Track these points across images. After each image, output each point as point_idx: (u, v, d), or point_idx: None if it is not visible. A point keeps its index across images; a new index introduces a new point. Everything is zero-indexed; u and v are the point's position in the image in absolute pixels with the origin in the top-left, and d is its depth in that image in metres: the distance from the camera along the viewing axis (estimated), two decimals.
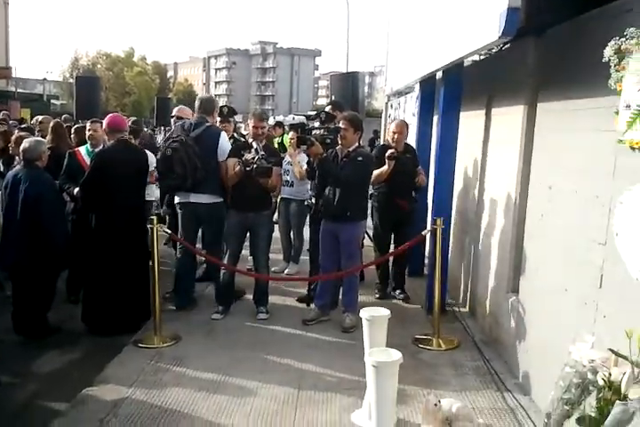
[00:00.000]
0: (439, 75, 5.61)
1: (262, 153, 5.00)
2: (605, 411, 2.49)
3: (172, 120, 6.26)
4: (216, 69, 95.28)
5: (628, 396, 2.41)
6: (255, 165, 4.90)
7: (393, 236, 5.93)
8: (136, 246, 4.87)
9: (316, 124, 5.24)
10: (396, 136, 5.66)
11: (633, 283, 2.57)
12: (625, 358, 2.51)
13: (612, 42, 2.25)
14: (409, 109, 11.23)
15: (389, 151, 5.42)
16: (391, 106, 14.52)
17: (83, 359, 4.43)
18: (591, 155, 3.10)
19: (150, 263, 4.65)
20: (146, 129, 12.10)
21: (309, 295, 5.47)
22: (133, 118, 7.96)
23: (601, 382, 2.56)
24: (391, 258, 5.81)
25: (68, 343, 4.65)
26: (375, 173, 5.36)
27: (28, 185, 4.62)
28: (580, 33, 3.34)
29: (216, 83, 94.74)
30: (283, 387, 3.82)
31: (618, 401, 2.43)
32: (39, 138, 5.12)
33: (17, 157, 5.47)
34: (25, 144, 4.73)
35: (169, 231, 4.81)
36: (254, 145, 5.06)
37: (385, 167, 5.46)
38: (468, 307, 5.40)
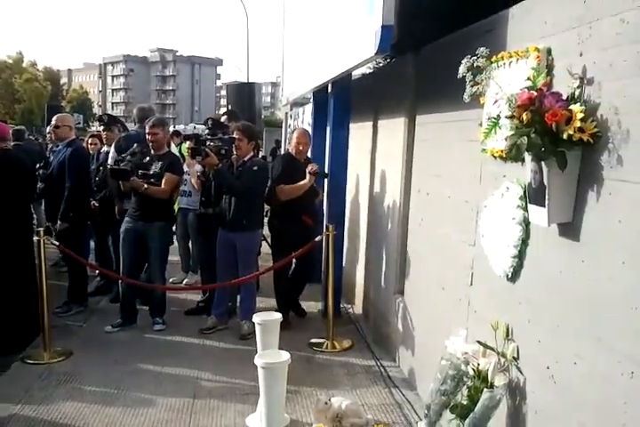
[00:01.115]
0: (330, 87, 5.83)
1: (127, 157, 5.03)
2: (475, 398, 2.72)
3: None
4: (113, 76, 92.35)
5: (495, 384, 2.66)
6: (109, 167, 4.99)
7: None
8: (22, 261, 4.69)
9: (205, 131, 5.27)
10: (301, 147, 5.36)
11: (497, 280, 2.83)
12: (491, 348, 2.76)
13: (465, 60, 2.49)
14: (307, 120, 11.49)
15: (314, 166, 5.13)
16: (291, 116, 14.75)
17: None
18: (461, 163, 3.38)
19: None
20: (32, 137, 11.59)
21: (198, 306, 5.55)
22: (17, 127, 7.67)
23: (471, 373, 2.80)
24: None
25: None
26: (289, 187, 5.14)
27: None
28: (449, 50, 3.62)
29: (113, 90, 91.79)
30: (178, 396, 3.83)
31: (485, 389, 2.67)
32: None
33: None
34: None
35: (56, 243, 4.68)
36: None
37: (305, 181, 5.09)
38: (361, 309, 5.62)
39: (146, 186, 4.97)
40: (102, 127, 5.92)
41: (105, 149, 5.96)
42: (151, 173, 5.00)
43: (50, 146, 8.17)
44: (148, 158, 5.08)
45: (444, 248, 3.59)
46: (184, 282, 6.51)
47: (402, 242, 4.46)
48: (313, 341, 4.83)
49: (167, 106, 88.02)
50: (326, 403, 3.41)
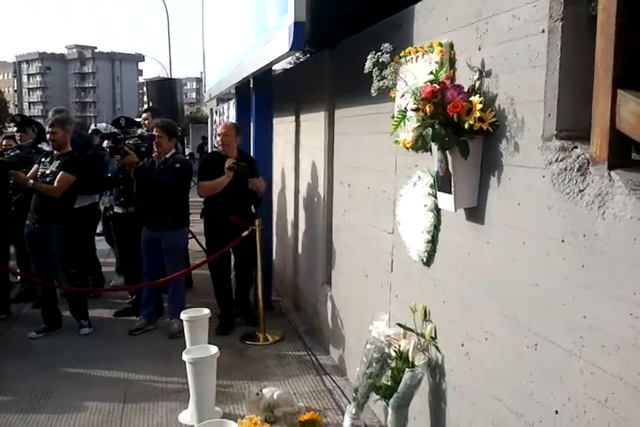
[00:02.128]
0: (252, 82, 5.85)
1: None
2: (398, 379, 2.85)
3: None
4: (28, 75, 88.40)
5: (415, 363, 2.78)
6: None
7: (233, 259, 5.23)
8: None
9: (116, 130, 5.16)
10: (220, 139, 5.07)
11: (414, 264, 2.95)
12: (411, 330, 2.88)
13: (371, 55, 2.58)
14: (232, 115, 11.44)
15: (230, 161, 4.92)
16: (216, 112, 14.62)
17: None
18: (378, 155, 3.49)
19: None
20: None
21: (127, 308, 5.48)
22: None
23: (393, 354, 2.92)
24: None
25: None
26: (207, 184, 4.95)
27: None
28: (362, 46, 3.71)
29: (29, 89, 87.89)
30: (108, 399, 3.78)
31: (407, 369, 2.80)
32: None
33: None
34: None
35: None
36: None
37: (223, 177, 4.89)
38: (292, 302, 5.70)
39: (32, 181, 4.81)
40: (16, 129, 5.71)
41: None
42: (47, 172, 4.88)
43: None
44: (49, 158, 4.95)
45: (366, 237, 3.70)
46: (111, 284, 6.38)
47: (328, 233, 4.55)
48: (245, 334, 4.86)
49: (87, 104, 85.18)
50: (257, 394, 3.46)
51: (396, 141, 3.03)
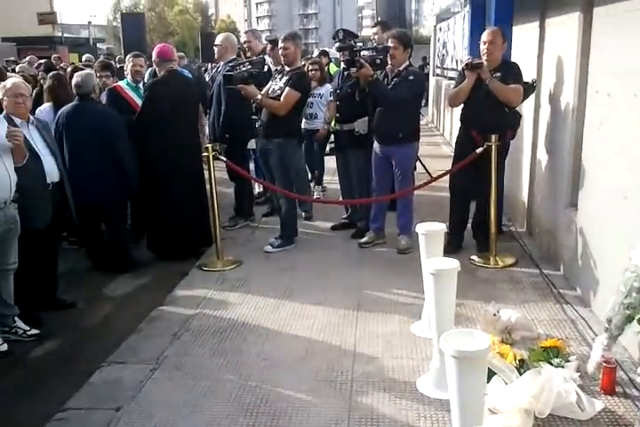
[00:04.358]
0: None
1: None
2: None
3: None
4: (257, 4, 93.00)
5: None
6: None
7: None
8: (194, 176, 4.98)
9: (336, 44, 5.01)
10: (486, 47, 4.50)
11: None
12: None
13: None
14: (458, 31, 10.81)
15: (468, 58, 4.57)
16: (440, 29, 13.99)
17: (152, 283, 4.67)
18: None
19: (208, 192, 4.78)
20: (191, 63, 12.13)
21: (346, 222, 5.56)
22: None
23: None
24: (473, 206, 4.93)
25: (136, 269, 4.88)
26: (452, 90, 4.80)
27: (96, 121, 4.60)
28: None
29: (258, 18, 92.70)
30: (342, 303, 3.95)
31: None
32: (88, 71, 5.14)
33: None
34: (77, 78, 4.72)
35: (224, 159, 4.89)
36: None
37: (465, 82, 4.56)
38: (525, 226, 5.35)
39: (259, 96, 4.89)
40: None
41: None
42: (276, 87, 4.94)
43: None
44: (280, 74, 5.02)
45: (628, 152, 3.22)
46: (315, 196, 6.57)
47: (575, 150, 4.09)
48: (473, 257, 4.69)
49: (310, 31, 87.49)
50: (495, 315, 3.34)
51: None
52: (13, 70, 6.90)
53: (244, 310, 3.90)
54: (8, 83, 3.86)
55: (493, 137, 4.48)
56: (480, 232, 4.82)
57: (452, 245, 4.72)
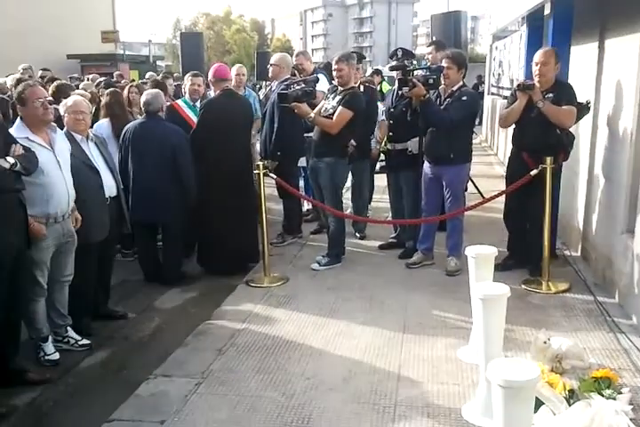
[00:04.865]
0: (547, 8, 5.28)
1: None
2: None
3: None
4: (312, 23, 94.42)
5: None
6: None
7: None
8: (244, 192, 5.05)
9: (393, 62, 5.02)
10: (538, 68, 4.45)
11: None
12: None
13: None
14: (514, 50, 10.70)
15: (522, 80, 4.53)
16: (496, 48, 13.87)
17: (200, 297, 4.76)
18: None
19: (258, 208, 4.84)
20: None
21: (394, 242, 5.52)
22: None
23: None
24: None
25: (185, 283, 4.97)
26: (504, 111, 4.77)
27: (162, 136, 4.77)
28: None
29: (313, 36, 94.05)
30: (388, 324, 3.91)
31: None
32: (157, 90, 5.33)
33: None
34: (146, 96, 4.91)
35: (274, 176, 4.95)
36: None
37: (516, 103, 4.55)
38: (580, 251, 5.19)
39: (312, 115, 4.93)
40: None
41: None
42: (329, 107, 4.97)
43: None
44: (333, 93, 5.06)
45: None
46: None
47: (633, 174, 3.97)
48: (526, 279, 4.58)
49: (364, 49, 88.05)
50: (545, 342, 3.23)
51: None
52: (77, 87, 7.20)
53: (289, 328, 3.91)
54: (69, 100, 4.04)
55: (548, 159, 4.39)
56: (533, 256, 4.71)
57: (505, 265, 4.69)
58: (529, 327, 3.78)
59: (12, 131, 3.43)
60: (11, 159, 3.12)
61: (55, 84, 5.71)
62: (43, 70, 8.52)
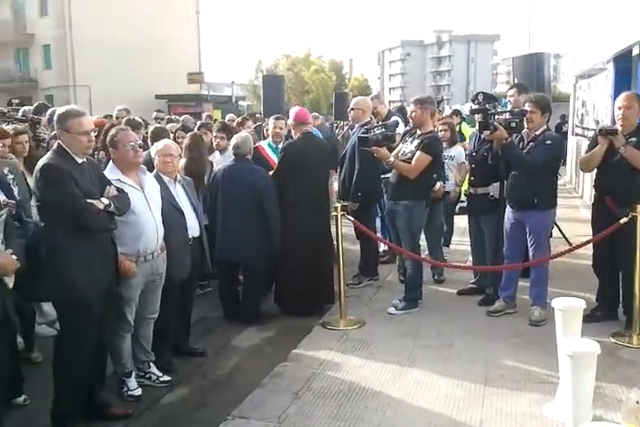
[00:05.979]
0: (636, 49, 5.14)
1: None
2: None
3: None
4: (390, 62, 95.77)
5: None
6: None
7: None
8: (322, 233, 5.11)
9: (474, 106, 5.00)
10: (622, 112, 4.40)
11: None
12: None
13: None
14: (599, 90, 10.42)
15: (603, 125, 4.56)
16: (580, 87, 13.56)
17: (277, 336, 4.79)
18: None
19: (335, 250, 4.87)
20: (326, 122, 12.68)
21: (474, 288, 5.39)
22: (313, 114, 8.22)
23: None
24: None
25: (262, 322, 5.02)
26: (585, 155, 4.70)
27: (250, 180, 4.91)
28: None
29: (390, 75, 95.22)
30: (468, 375, 3.78)
31: None
32: (247, 133, 5.51)
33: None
34: (236, 140, 5.11)
35: (352, 219, 4.98)
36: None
37: (597, 147, 4.49)
38: None
39: (392, 159, 4.93)
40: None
41: None
42: (407, 150, 4.98)
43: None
44: (411, 137, 5.08)
45: None
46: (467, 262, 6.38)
47: None
48: (615, 332, 4.34)
49: (442, 87, 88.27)
50: (638, 402, 3.03)
51: None
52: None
53: (366, 374, 3.85)
54: (160, 144, 4.26)
55: (639, 207, 4.20)
56: (624, 307, 4.47)
57: (594, 316, 4.51)
58: (619, 385, 3.57)
59: (105, 172, 3.65)
60: (105, 200, 3.31)
61: (152, 128, 5.96)
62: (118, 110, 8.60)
